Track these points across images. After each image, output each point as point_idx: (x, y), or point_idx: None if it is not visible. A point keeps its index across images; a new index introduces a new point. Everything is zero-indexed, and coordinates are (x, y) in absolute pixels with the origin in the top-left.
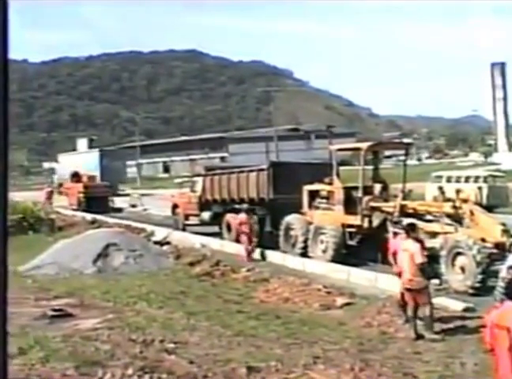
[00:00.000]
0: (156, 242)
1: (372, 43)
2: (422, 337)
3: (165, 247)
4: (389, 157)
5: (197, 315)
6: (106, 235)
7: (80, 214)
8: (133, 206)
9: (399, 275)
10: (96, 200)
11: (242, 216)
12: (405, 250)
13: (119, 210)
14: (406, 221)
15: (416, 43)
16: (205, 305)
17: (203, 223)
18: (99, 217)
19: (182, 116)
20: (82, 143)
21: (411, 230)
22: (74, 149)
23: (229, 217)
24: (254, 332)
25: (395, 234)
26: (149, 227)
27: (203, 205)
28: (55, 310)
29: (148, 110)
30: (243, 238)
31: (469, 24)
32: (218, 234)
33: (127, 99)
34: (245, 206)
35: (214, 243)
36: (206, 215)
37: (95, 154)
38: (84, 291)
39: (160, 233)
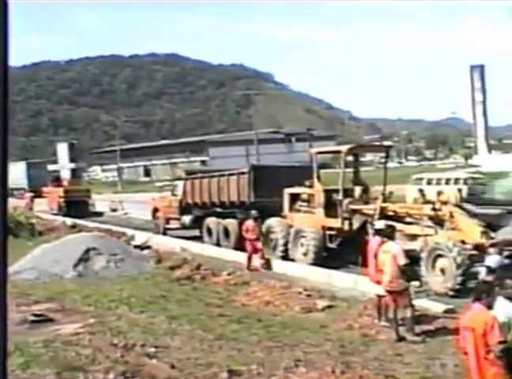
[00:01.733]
0: (136, 246)
1: (353, 46)
2: (403, 339)
3: (146, 251)
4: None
5: (178, 319)
6: (86, 240)
7: (60, 218)
8: (114, 210)
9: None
10: (76, 205)
11: (249, 223)
12: (386, 252)
13: (100, 214)
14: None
15: (396, 46)
16: (187, 309)
17: (184, 227)
18: (79, 221)
19: (163, 120)
20: (62, 147)
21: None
22: (54, 154)
23: (209, 221)
24: (236, 336)
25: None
26: (130, 231)
27: (184, 209)
28: (36, 315)
29: (129, 114)
30: (248, 246)
31: (449, 26)
32: (199, 238)
33: (107, 103)
34: (254, 212)
35: (195, 247)
36: (187, 218)
37: (23, 165)
38: (65, 296)
39: (141, 237)
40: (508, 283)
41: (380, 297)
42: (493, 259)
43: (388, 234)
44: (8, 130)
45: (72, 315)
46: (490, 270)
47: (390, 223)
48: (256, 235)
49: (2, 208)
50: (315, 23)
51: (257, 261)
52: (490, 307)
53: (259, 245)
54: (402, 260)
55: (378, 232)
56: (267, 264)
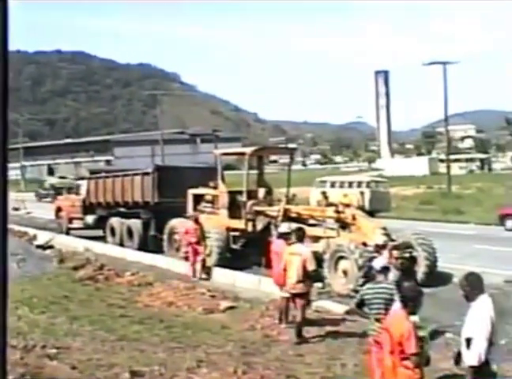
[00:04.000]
0: (38, 246)
1: (260, 49)
2: (305, 340)
3: (48, 251)
4: (275, 161)
5: (80, 320)
6: None
7: None
8: (16, 209)
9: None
10: None
11: (189, 225)
12: (294, 254)
13: None
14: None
15: (303, 49)
16: (89, 310)
17: (87, 227)
18: None
19: (68, 118)
20: None
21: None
22: None
23: (113, 221)
24: (138, 337)
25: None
26: (32, 231)
27: (87, 209)
28: None
29: (33, 112)
30: (190, 250)
31: (357, 31)
32: (103, 238)
33: (11, 99)
34: (194, 213)
35: (98, 247)
36: (90, 218)
37: None
38: None
39: (43, 236)
40: (405, 286)
41: (286, 299)
42: (380, 261)
43: (298, 236)
44: (8, 129)
45: None
46: (381, 271)
47: (295, 225)
48: (197, 238)
49: (2, 207)
50: (223, 25)
51: (197, 266)
52: (414, 313)
53: (200, 249)
54: (312, 266)
55: (282, 235)
56: (207, 272)
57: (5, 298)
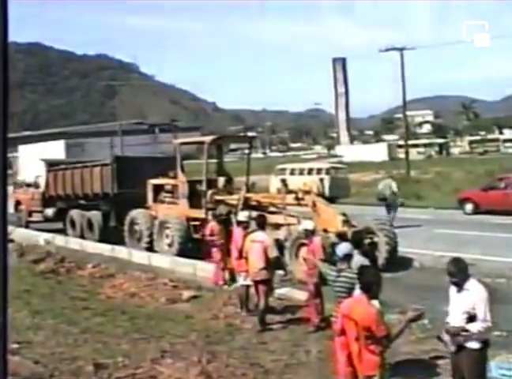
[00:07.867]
0: None
1: (219, 39)
2: (268, 328)
3: (8, 245)
4: (234, 150)
5: (42, 313)
6: None
7: None
8: None
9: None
10: None
11: (213, 225)
12: (256, 241)
13: None
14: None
15: (261, 39)
16: (51, 303)
17: (47, 220)
18: None
19: (25, 110)
20: None
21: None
22: None
23: (73, 213)
24: (101, 329)
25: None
26: None
27: (47, 201)
28: None
29: None
30: (215, 253)
31: (315, 20)
32: (63, 231)
33: None
34: (213, 212)
35: (59, 240)
36: (50, 211)
37: None
38: None
39: None
40: (367, 272)
41: (245, 286)
42: (343, 247)
43: (259, 223)
44: (7, 129)
45: None
46: (344, 258)
47: (256, 213)
48: (222, 240)
49: (2, 207)
50: (182, 15)
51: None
52: (375, 297)
53: (224, 251)
54: (274, 253)
55: (240, 223)
56: (231, 278)
57: (5, 299)
